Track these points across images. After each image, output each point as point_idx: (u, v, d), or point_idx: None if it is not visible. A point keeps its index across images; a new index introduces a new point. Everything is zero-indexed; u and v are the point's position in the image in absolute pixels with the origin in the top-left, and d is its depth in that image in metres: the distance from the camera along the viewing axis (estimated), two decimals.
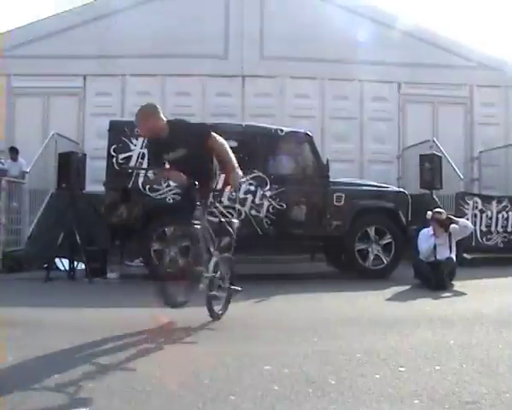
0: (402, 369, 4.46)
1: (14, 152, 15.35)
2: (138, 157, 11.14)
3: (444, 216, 10.27)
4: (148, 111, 6.26)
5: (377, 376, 4.29)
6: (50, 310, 7.74)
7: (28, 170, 13.69)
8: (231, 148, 6.53)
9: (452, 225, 10.07)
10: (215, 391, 3.97)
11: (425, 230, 10.34)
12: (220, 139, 6.27)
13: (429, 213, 10.34)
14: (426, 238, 10.22)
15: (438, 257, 9.97)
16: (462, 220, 10.51)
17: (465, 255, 12.64)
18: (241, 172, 6.34)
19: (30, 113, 16.79)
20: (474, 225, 13.29)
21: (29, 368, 4.61)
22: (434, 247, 10.04)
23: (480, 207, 13.70)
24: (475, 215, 13.61)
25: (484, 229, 13.66)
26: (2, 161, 15.46)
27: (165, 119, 6.27)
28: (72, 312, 7.60)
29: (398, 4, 45.44)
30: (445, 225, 10.05)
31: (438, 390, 3.91)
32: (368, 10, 17.42)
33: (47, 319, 6.86)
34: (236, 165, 6.26)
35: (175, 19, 16.51)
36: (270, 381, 4.20)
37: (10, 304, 8.13)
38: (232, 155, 6.29)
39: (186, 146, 6.17)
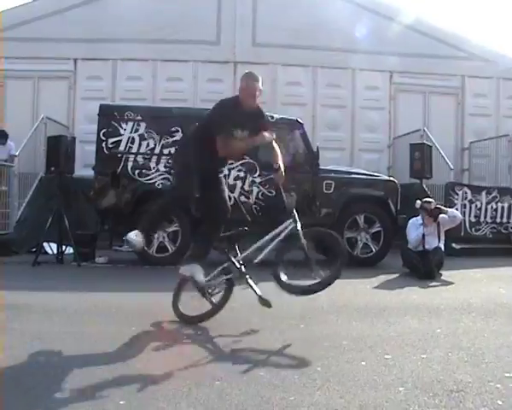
0: (388, 356, 4.48)
1: (2, 135, 15.25)
2: (128, 142, 11.10)
3: (433, 206, 10.27)
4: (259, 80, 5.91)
5: (363, 363, 4.30)
6: (38, 294, 7.73)
7: (17, 153, 13.61)
8: None
9: (441, 215, 10.08)
10: (200, 377, 3.97)
11: (414, 219, 10.34)
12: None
13: (418, 202, 10.33)
14: (415, 227, 10.22)
15: (426, 247, 9.98)
16: (451, 210, 10.51)
17: (454, 245, 12.67)
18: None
19: (20, 96, 16.66)
20: (464, 216, 13.30)
21: (16, 351, 4.60)
22: (423, 236, 10.05)
23: (469, 197, 13.71)
24: (464, 205, 13.62)
25: (473, 219, 13.68)
26: None
27: None
28: (60, 296, 7.58)
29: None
30: (433, 214, 10.06)
31: (423, 378, 3.93)
32: None
33: (35, 302, 6.84)
34: None
35: (167, 3, 16.40)
36: (256, 367, 4.20)
37: None
38: None
39: (250, 129, 5.94)
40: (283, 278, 5.64)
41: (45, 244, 11.86)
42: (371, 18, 16.94)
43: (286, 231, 5.88)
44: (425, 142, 13.94)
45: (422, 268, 9.49)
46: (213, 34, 16.77)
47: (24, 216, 13.25)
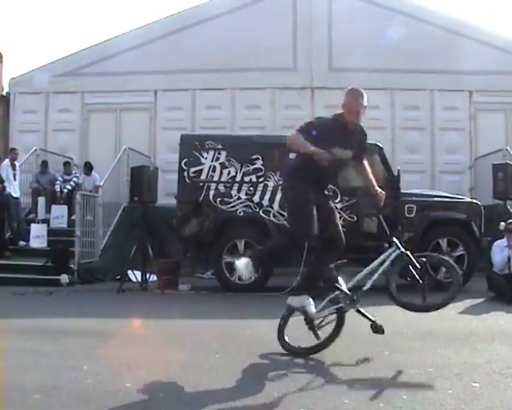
0: (475, 384, 4.39)
1: (88, 167, 15.78)
2: (209, 170, 11.30)
3: None
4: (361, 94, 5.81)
5: (450, 391, 4.23)
6: (124, 321, 7.89)
7: (102, 184, 14.00)
8: None
9: None
10: (286, 404, 3.99)
11: (499, 241, 10.09)
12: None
13: (502, 223, 10.10)
14: (500, 250, 9.98)
15: None
16: None
17: None
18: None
19: (103, 128, 17.19)
20: None
21: (104, 377, 4.71)
22: (508, 259, 9.81)
23: None
24: None
25: None
26: (77, 175, 15.89)
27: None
28: (145, 323, 7.72)
29: (464, 11, 44.69)
30: None
31: None
32: (437, 18, 17.18)
33: (120, 329, 7.00)
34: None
35: (243, 32, 16.63)
36: (342, 395, 4.19)
37: (85, 315, 8.35)
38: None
39: (353, 149, 5.83)
40: (398, 296, 5.76)
41: (129, 272, 12.10)
42: (448, 37, 16.74)
43: (391, 258, 5.86)
44: (508, 161, 13.61)
45: (509, 292, 9.24)
46: (290, 61, 16.88)
47: (108, 245, 13.60)
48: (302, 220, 5.53)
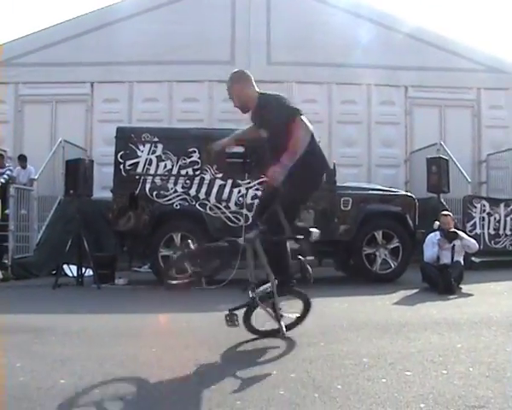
0: (408, 373, 4.46)
1: (23, 160, 15.47)
2: (145, 163, 11.21)
3: (450, 221, 10.23)
4: (236, 77, 5.76)
5: (384, 380, 4.29)
6: (59, 316, 7.78)
7: (36, 177, 13.76)
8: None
9: (456, 242, 10.01)
10: (221, 396, 3.98)
11: (432, 234, 10.28)
12: (303, 126, 5.35)
13: (436, 222, 10.31)
14: (431, 245, 10.18)
15: (441, 262, 9.95)
16: (467, 239, 10.23)
17: (473, 259, 12.61)
18: (280, 172, 5.16)
19: (38, 120, 16.89)
20: (482, 229, 13.30)
21: (38, 374, 4.63)
22: (437, 257, 10.04)
23: (487, 210, 13.67)
24: (483, 218, 13.58)
25: (492, 232, 13.63)
26: (11, 168, 15.54)
27: (257, 89, 5.75)
28: (80, 318, 7.63)
29: (403, 7, 45.39)
30: (449, 238, 10.01)
31: (444, 394, 3.90)
32: (374, 14, 17.44)
33: (56, 325, 6.88)
34: (285, 161, 5.17)
35: (181, 25, 16.56)
36: (276, 386, 4.20)
37: (19, 311, 8.19)
38: (295, 149, 5.23)
39: (268, 128, 5.58)
40: None
41: (65, 267, 11.95)
42: (384, 33, 16.99)
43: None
44: (441, 156, 13.93)
45: (442, 283, 9.44)
46: (228, 54, 16.89)
47: (43, 239, 13.40)
48: None
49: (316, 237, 5.73)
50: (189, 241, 6.12)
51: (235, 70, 5.89)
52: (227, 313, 5.38)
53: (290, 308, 5.90)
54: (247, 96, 5.67)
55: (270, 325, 5.81)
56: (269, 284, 5.61)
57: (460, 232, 10.22)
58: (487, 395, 3.89)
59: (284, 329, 5.66)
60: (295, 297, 5.89)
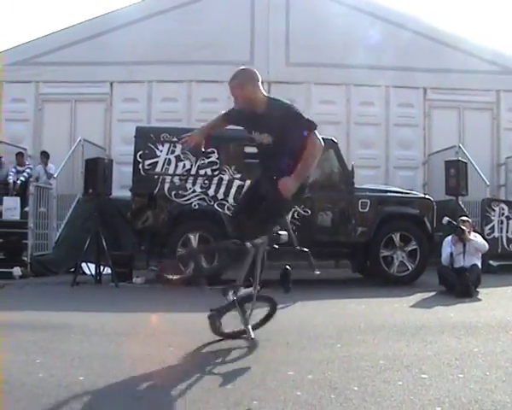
0: (425, 376, 4.47)
1: (45, 156, 15.57)
2: (164, 163, 11.27)
3: (467, 225, 10.20)
4: (248, 76, 5.41)
5: (400, 383, 4.30)
6: (77, 314, 7.84)
7: (56, 175, 13.85)
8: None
9: (470, 239, 9.99)
10: (238, 396, 4.01)
11: (449, 237, 10.28)
12: (319, 141, 5.25)
13: (446, 218, 10.26)
14: (448, 245, 10.18)
15: (456, 265, 9.94)
16: (474, 240, 10.14)
17: (491, 262, 12.57)
18: (293, 185, 5.12)
19: (57, 119, 16.99)
20: (501, 232, 13.25)
21: (57, 371, 4.68)
22: (451, 255, 10.02)
23: (506, 213, 13.61)
24: (501, 222, 13.52)
25: (510, 236, 13.57)
26: (31, 166, 15.66)
27: (265, 93, 5.46)
28: (98, 316, 7.69)
29: (421, 9, 45.21)
30: (462, 238, 9.98)
31: (460, 398, 3.91)
32: (392, 15, 17.39)
33: (74, 322, 6.94)
34: (301, 175, 5.20)
35: (201, 25, 16.61)
36: (293, 387, 4.22)
37: (38, 307, 8.27)
38: (310, 162, 5.23)
39: (275, 134, 5.32)
40: None
41: (83, 265, 12.02)
42: (403, 34, 16.94)
43: None
44: (460, 158, 13.87)
45: (459, 286, 9.41)
46: (247, 54, 16.89)
47: (62, 237, 13.49)
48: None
49: (284, 239, 5.67)
50: (191, 237, 6.12)
51: (244, 68, 5.57)
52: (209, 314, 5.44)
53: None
54: (257, 99, 5.36)
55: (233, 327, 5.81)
56: (251, 289, 5.55)
57: (470, 234, 10.16)
58: (504, 399, 3.89)
59: (252, 332, 5.62)
60: (265, 302, 5.88)
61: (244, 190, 6.15)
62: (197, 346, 5.62)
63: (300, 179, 5.19)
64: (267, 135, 5.35)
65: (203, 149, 5.86)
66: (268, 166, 5.47)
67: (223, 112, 5.90)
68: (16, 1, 43.43)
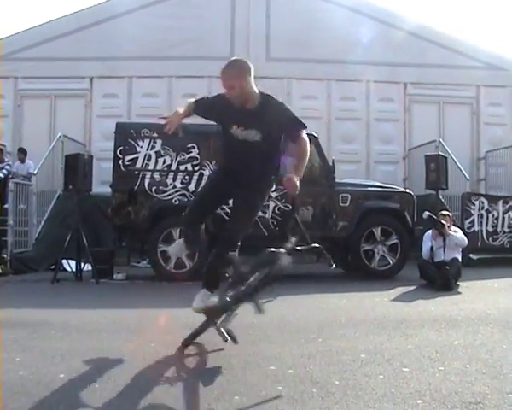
0: (405, 369, 4.49)
1: (22, 153, 15.47)
2: (144, 159, 11.23)
3: (449, 220, 10.25)
4: (247, 68, 5.13)
5: (381, 376, 4.31)
6: (58, 311, 7.79)
7: (35, 172, 13.76)
8: None
9: (449, 233, 10.05)
10: (219, 392, 4.01)
11: (429, 231, 10.32)
12: (308, 142, 5.16)
13: (426, 213, 10.30)
14: (428, 240, 10.24)
15: (436, 259, 9.99)
16: (453, 235, 10.16)
17: (471, 256, 12.65)
18: (297, 182, 4.85)
19: (37, 115, 16.88)
20: (480, 226, 13.34)
21: (37, 369, 4.65)
22: (431, 249, 10.09)
23: (486, 207, 13.70)
24: (481, 215, 13.61)
25: (490, 229, 13.66)
26: (10, 162, 15.54)
27: (256, 88, 5.19)
28: (79, 313, 7.65)
29: (403, 4, 45.35)
30: (442, 232, 10.03)
31: (441, 391, 3.93)
32: (374, 11, 17.42)
33: (54, 319, 6.90)
34: (300, 171, 4.99)
35: (181, 20, 16.57)
36: (275, 381, 4.23)
37: (18, 305, 8.20)
38: (305, 160, 5.10)
39: (263, 131, 5.16)
40: None
41: (64, 261, 11.97)
42: (384, 30, 16.99)
43: None
44: (440, 153, 13.92)
45: (439, 280, 9.46)
46: (227, 49, 16.82)
47: (42, 234, 13.41)
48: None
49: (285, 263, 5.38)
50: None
51: (241, 58, 5.27)
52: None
53: None
54: (251, 92, 5.14)
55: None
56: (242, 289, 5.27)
57: (450, 228, 10.21)
58: (484, 391, 3.92)
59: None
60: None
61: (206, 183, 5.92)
62: (178, 342, 5.60)
63: (300, 177, 4.96)
64: (256, 132, 5.16)
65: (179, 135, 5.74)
66: (246, 164, 5.27)
67: (192, 100, 5.62)
68: None
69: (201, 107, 5.56)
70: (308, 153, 5.13)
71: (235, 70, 5.10)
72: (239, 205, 5.45)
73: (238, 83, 5.05)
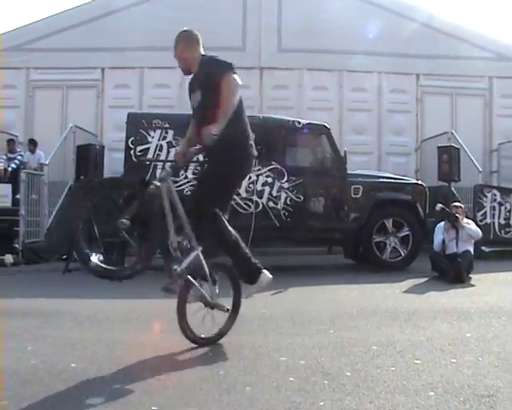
0: (417, 361, 4.47)
1: (32, 144, 15.51)
2: (156, 149, 11.21)
3: (461, 212, 10.19)
4: (187, 37, 5.46)
5: (393, 368, 4.30)
6: (69, 301, 7.84)
7: (47, 162, 13.79)
8: None
9: (463, 226, 9.99)
10: (231, 382, 4.00)
11: (442, 222, 10.27)
12: (234, 83, 5.01)
13: (439, 205, 10.26)
14: (440, 232, 10.18)
15: (455, 250, 9.92)
16: (467, 227, 10.09)
17: (483, 248, 12.58)
18: (215, 129, 4.76)
19: (49, 105, 16.89)
20: (493, 218, 13.25)
21: (49, 358, 4.66)
22: (443, 241, 10.03)
23: (498, 199, 13.61)
24: (494, 208, 13.52)
25: (502, 222, 13.57)
26: (22, 153, 15.59)
27: (201, 52, 5.41)
28: (90, 302, 7.68)
29: None
30: (455, 225, 9.99)
31: (453, 383, 3.91)
32: (386, 1, 17.33)
33: (66, 309, 6.94)
34: (222, 119, 4.83)
35: (193, 11, 16.46)
36: (286, 372, 4.22)
37: (30, 295, 8.25)
38: (229, 106, 4.92)
39: (202, 88, 5.20)
40: None
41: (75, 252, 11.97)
42: (396, 20, 16.90)
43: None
44: (452, 144, 13.87)
45: (452, 272, 9.41)
46: (239, 40, 16.81)
47: (54, 224, 13.42)
48: None
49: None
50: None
51: (185, 29, 5.58)
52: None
53: None
54: (194, 58, 5.32)
55: None
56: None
57: (463, 221, 10.16)
58: (496, 384, 3.90)
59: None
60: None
61: None
62: None
63: (223, 121, 4.82)
64: (198, 93, 5.20)
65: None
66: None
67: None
68: None
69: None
70: (233, 92, 4.97)
71: (177, 43, 5.41)
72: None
73: (179, 53, 5.36)
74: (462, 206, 10.60)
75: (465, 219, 10.31)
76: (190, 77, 5.43)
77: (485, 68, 17.35)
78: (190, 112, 5.57)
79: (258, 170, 10.82)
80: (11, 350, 4.91)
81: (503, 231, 13.54)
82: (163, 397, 3.77)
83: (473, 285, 9.15)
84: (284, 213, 11.06)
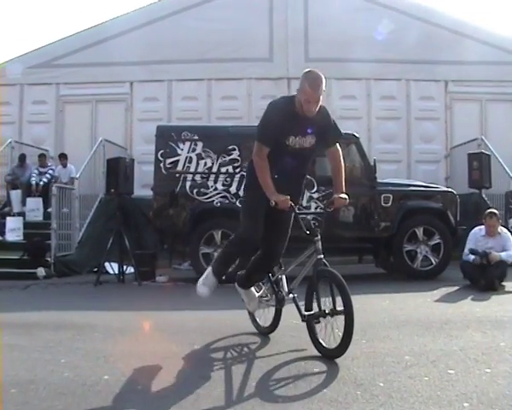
0: (451, 371, 4.43)
1: (63, 158, 15.69)
2: (185, 161, 11.27)
3: (496, 222, 9.99)
4: (323, 79, 5.32)
5: (426, 378, 4.26)
6: (101, 313, 7.88)
7: (77, 176, 13.92)
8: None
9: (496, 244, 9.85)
10: (264, 395, 4.00)
11: (476, 229, 10.15)
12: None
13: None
14: (474, 238, 10.03)
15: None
16: (505, 253, 9.68)
17: None
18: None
19: (78, 120, 17.09)
20: None
21: (82, 370, 4.69)
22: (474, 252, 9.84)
23: None
24: None
25: None
26: (53, 167, 15.78)
27: None
28: (122, 315, 7.71)
29: (442, 2, 44.85)
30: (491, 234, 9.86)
31: (488, 393, 3.87)
32: (413, 9, 17.24)
33: (98, 322, 6.97)
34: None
35: (220, 23, 16.59)
36: (319, 383, 4.21)
37: (62, 308, 8.32)
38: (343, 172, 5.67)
39: (318, 138, 5.33)
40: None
41: (106, 264, 12.08)
42: (423, 27, 16.81)
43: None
44: (483, 151, 13.73)
45: (484, 280, 9.28)
46: (266, 51, 16.87)
47: (85, 237, 13.55)
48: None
49: None
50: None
51: (316, 71, 5.41)
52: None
53: None
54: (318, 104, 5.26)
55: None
56: None
57: (498, 228, 9.99)
58: None
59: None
60: None
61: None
62: (221, 344, 5.61)
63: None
64: (312, 137, 5.28)
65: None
66: (296, 172, 5.49)
67: (264, 150, 5.31)
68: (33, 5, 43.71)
69: (270, 141, 5.29)
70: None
71: (323, 84, 5.28)
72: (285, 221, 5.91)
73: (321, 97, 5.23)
74: (497, 213, 10.40)
75: (503, 229, 10.14)
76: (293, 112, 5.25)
77: None
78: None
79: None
80: (45, 363, 4.95)
81: None
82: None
83: (506, 293, 9.03)
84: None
